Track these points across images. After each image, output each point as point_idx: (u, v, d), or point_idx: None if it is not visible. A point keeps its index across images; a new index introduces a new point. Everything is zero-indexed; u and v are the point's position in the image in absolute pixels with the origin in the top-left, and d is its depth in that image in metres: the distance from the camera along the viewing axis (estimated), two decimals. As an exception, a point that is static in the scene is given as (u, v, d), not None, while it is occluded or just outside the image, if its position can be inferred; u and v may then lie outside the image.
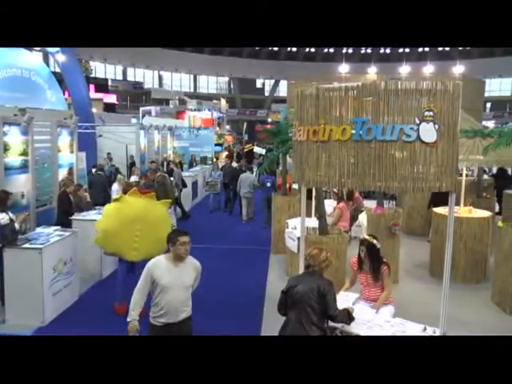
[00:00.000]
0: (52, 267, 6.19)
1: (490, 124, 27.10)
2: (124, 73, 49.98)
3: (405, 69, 30.99)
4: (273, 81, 56.62)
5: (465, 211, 8.16)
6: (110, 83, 41.53)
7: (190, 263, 4.24)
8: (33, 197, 8.79)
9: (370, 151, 3.61)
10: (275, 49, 51.57)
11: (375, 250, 5.07)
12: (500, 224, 7.07)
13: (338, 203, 8.78)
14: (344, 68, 32.16)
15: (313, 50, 52.99)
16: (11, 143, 8.26)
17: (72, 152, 10.87)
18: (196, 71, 53.84)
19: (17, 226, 6.65)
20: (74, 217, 7.84)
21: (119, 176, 10.82)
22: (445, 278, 4.04)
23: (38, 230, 6.98)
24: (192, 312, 4.26)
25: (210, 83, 56.22)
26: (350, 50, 50.32)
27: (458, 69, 30.63)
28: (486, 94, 26.00)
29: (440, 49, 46.48)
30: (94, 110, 18.58)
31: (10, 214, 6.50)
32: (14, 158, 8.32)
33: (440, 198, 8.06)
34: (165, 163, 15.82)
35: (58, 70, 17.29)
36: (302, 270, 4.92)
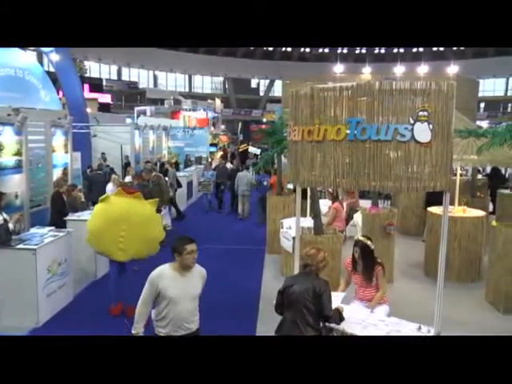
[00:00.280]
0: (46, 268, 6.16)
1: (484, 124, 27.23)
2: (119, 72, 49.84)
3: (399, 69, 31.02)
4: (268, 81, 56.64)
5: (459, 211, 8.19)
6: (104, 83, 41.40)
7: (197, 271, 4.01)
8: (27, 197, 8.74)
9: (364, 151, 3.62)
10: (270, 49, 51.58)
11: (369, 250, 5.09)
12: (494, 223, 7.10)
13: (332, 203, 8.78)
14: (339, 68, 32.14)
15: (307, 50, 53.06)
16: (5, 143, 8.22)
17: (66, 152, 10.83)
18: (191, 71, 53.77)
19: (11, 226, 6.61)
20: (68, 217, 7.80)
21: (113, 176, 10.78)
22: (439, 278, 4.05)
23: (32, 230, 6.95)
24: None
25: (204, 83, 56.17)
26: (345, 50, 50.40)
27: (452, 69, 30.72)
28: (480, 94, 26.16)
29: (434, 49, 46.66)
30: (88, 109, 18.51)
31: (4, 215, 6.47)
32: (7, 158, 8.28)
33: (435, 198, 8.10)
34: (158, 164, 15.60)
35: (52, 69, 17.21)
36: (297, 270, 4.92)
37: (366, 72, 29.65)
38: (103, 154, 15.65)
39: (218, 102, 42.89)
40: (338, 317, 4.10)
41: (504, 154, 7.03)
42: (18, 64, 12.03)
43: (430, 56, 44.61)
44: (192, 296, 3.89)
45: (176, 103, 37.96)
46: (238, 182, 13.17)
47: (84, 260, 7.57)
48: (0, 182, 7.87)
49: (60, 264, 6.50)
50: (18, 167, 8.56)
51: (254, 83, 58.03)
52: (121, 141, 15.92)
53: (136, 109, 31.66)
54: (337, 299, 4.92)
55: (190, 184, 15.50)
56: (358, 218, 9.10)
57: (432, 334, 4.09)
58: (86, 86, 29.86)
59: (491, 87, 49.68)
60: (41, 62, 24.22)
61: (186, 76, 55.07)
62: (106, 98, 35.80)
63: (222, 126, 41.96)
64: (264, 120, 44.09)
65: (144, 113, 30.05)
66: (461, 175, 9.93)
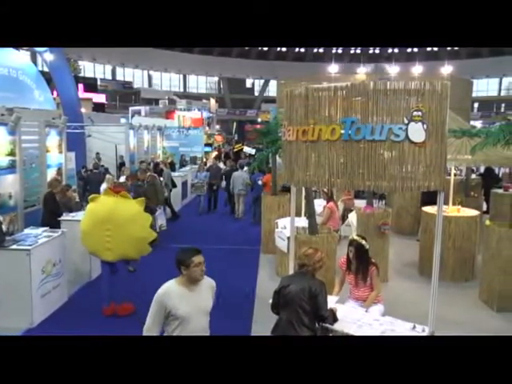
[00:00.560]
0: (40, 268, 6.14)
1: (478, 124, 27.36)
2: (113, 72, 49.67)
3: (394, 69, 31.16)
4: (262, 81, 56.65)
5: (453, 210, 8.23)
6: (99, 83, 41.28)
7: (205, 283, 3.64)
8: (21, 197, 8.70)
9: (359, 151, 3.63)
10: (265, 49, 51.56)
11: (364, 250, 5.10)
12: (487, 223, 7.14)
13: (327, 203, 8.80)
14: (333, 68, 32.25)
15: (302, 50, 53.11)
16: (-2, 143, 8.18)
17: (61, 152, 10.79)
18: (186, 71, 53.67)
19: (4, 227, 6.58)
20: (62, 217, 7.77)
21: (108, 176, 10.75)
22: (433, 277, 4.07)
23: (26, 231, 6.91)
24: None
25: (199, 83, 56.09)
26: (340, 50, 50.48)
27: (446, 69, 30.87)
28: (474, 94, 26.29)
29: (428, 49, 46.85)
30: (82, 109, 18.45)
31: (-2, 215, 6.44)
32: (1, 159, 8.23)
33: (431, 197, 8.14)
34: (151, 164, 15.35)
35: (46, 69, 17.14)
36: (292, 270, 4.93)
37: (361, 72, 29.77)
38: (98, 153, 15.60)
39: (212, 101, 42.85)
40: (332, 317, 4.11)
41: (497, 153, 7.06)
42: (12, 64, 11.98)
43: (425, 56, 44.80)
44: (204, 311, 3.58)
45: (171, 103, 37.88)
46: (234, 181, 13.19)
47: (78, 260, 7.54)
48: (-6, 183, 7.83)
49: (54, 264, 6.47)
50: (11, 167, 8.51)
51: (248, 83, 57.99)
52: (115, 141, 15.87)
53: (130, 109, 31.57)
54: (331, 300, 4.94)
55: (184, 184, 15.46)
56: (352, 217, 9.13)
57: (426, 333, 4.11)
58: (81, 86, 29.74)
59: (485, 87, 49.94)
60: (34, 61, 24.11)
61: (181, 76, 54.97)
62: (100, 98, 35.68)
63: (217, 126, 41.92)
64: (259, 120, 44.13)
65: (138, 113, 29.97)
66: (455, 175, 9.98)
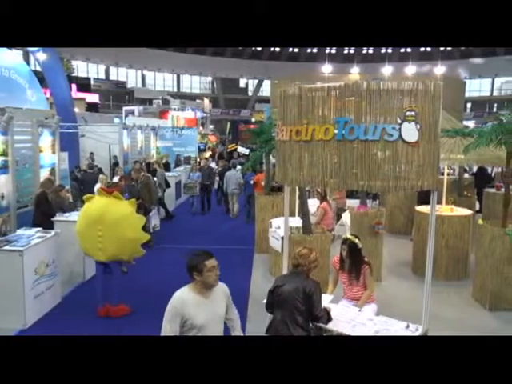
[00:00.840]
0: (33, 269, 6.10)
1: (471, 124, 27.50)
2: (107, 72, 49.50)
3: (387, 69, 31.26)
4: (256, 81, 56.65)
5: (447, 209, 8.27)
6: (92, 82, 41.14)
7: (219, 288, 3.50)
8: (13, 198, 8.64)
9: (352, 151, 3.64)
10: (258, 49, 51.57)
11: (357, 249, 5.11)
12: (480, 222, 7.18)
13: (321, 202, 8.81)
14: (327, 68, 32.30)
15: (296, 50, 53.16)
16: (-10, 143, 8.12)
17: (54, 152, 10.72)
18: (179, 71, 53.59)
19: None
20: (56, 218, 7.74)
21: (101, 176, 10.71)
22: (427, 276, 4.09)
23: (19, 231, 6.87)
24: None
25: (193, 83, 56.01)
26: (333, 51, 50.58)
27: (439, 69, 31.02)
28: (467, 95, 26.43)
29: (422, 50, 47.05)
30: (76, 109, 18.37)
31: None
32: (-7, 159, 8.18)
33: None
34: (143, 164, 15.26)
35: (38, 68, 17.04)
36: (285, 270, 4.94)
37: (354, 72, 29.84)
38: (92, 153, 15.54)
39: (206, 101, 42.84)
40: (326, 317, 4.12)
41: (490, 153, 7.12)
42: (4, 63, 11.87)
43: (418, 56, 44.99)
44: (220, 318, 3.48)
45: (164, 103, 37.85)
46: (227, 181, 13.26)
47: (72, 261, 7.51)
48: (-14, 183, 7.77)
49: (48, 265, 6.44)
50: (3, 168, 8.44)
51: (242, 83, 58.02)
52: (109, 141, 15.81)
53: (124, 108, 31.49)
54: (325, 299, 4.95)
55: (178, 184, 15.43)
56: (346, 217, 9.15)
57: (420, 331, 4.13)
58: (74, 86, 29.61)
59: (477, 87, 50.25)
60: (27, 60, 23.97)
61: (175, 76, 54.88)
62: (93, 98, 35.56)
63: (211, 126, 41.92)
64: (253, 120, 44.15)
65: (132, 113, 29.90)
66: (448, 174, 10.03)
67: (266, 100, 41.66)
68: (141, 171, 10.51)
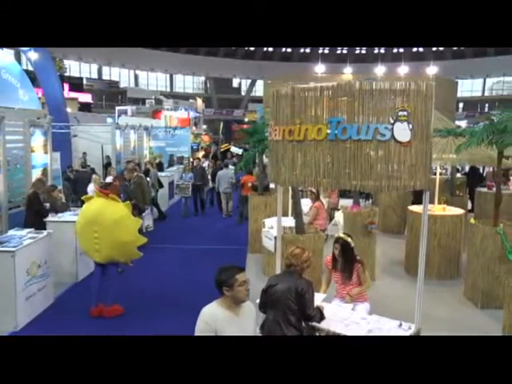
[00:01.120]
0: (25, 270, 6.06)
1: (463, 123, 27.67)
2: (99, 72, 49.26)
3: (380, 69, 31.35)
4: (249, 80, 56.64)
5: (439, 209, 8.32)
6: (84, 82, 40.89)
7: (246, 305, 3.35)
8: (5, 198, 8.58)
9: (345, 151, 3.65)
10: (251, 49, 51.59)
11: (349, 248, 5.12)
12: (472, 221, 7.23)
13: (314, 202, 8.83)
14: (320, 68, 32.35)
15: (289, 50, 53.23)
16: (-18, 143, 8.06)
17: (46, 152, 10.67)
18: (172, 71, 53.46)
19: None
20: (49, 218, 7.69)
21: (94, 176, 10.66)
22: (419, 275, 4.12)
23: (11, 232, 6.82)
24: (169, 314, 4.15)
25: (186, 83, 55.90)
26: (326, 51, 50.70)
27: (432, 69, 31.18)
28: (459, 95, 26.59)
29: (414, 50, 47.28)
30: (68, 109, 18.27)
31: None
32: (-16, 159, 8.12)
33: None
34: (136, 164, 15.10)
35: (30, 67, 16.93)
36: (278, 270, 4.95)
37: (347, 72, 29.91)
38: (84, 153, 15.48)
39: (199, 101, 42.74)
40: (319, 316, 4.13)
41: (481, 153, 7.18)
42: (-5, 62, 11.80)
43: (410, 57, 45.21)
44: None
45: (157, 103, 37.71)
46: (219, 180, 13.30)
47: (65, 262, 7.47)
48: (-23, 183, 7.71)
49: (40, 266, 6.39)
50: (-5, 168, 8.40)
51: (235, 83, 57.98)
52: (101, 141, 15.74)
53: (117, 108, 31.34)
54: (317, 298, 4.96)
55: (171, 184, 15.39)
56: (339, 216, 9.18)
57: (413, 330, 4.15)
58: (66, 86, 29.46)
59: (469, 87, 50.57)
60: (19, 60, 23.80)
61: (168, 75, 54.73)
62: (86, 98, 35.38)
63: (204, 126, 41.84)
64: (246, 120, 44.13)
65: (125, 112, 29.77)
66: (440, 174, 10.09)
67: (259, 100, 41.65)
68: (134, 171, 10.47)
